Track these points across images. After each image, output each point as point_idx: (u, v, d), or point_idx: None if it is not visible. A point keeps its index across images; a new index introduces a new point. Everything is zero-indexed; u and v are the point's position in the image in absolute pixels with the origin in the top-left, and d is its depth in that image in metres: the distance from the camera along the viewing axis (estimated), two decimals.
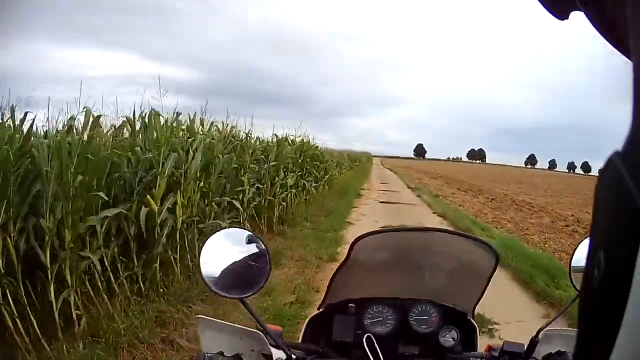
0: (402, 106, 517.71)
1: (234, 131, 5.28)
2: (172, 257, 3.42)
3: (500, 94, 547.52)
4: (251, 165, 5.36)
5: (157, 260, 3.24)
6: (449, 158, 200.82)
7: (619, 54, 0.23)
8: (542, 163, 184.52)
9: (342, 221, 7.40)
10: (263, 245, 0.79)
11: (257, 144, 6.17)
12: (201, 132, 4.25)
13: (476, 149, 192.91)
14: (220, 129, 4.91)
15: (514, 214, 10.84)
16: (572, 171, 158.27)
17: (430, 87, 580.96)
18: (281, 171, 6.52)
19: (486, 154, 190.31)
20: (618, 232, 0.18)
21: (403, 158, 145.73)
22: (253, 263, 0.78)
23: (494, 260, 0.87)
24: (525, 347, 0.85)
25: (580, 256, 0.85)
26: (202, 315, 0.82)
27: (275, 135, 7.12)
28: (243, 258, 0.78)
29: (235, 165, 4.76)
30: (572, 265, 0.86)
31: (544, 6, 0.26)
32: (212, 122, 4.70)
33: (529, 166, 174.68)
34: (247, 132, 5.69)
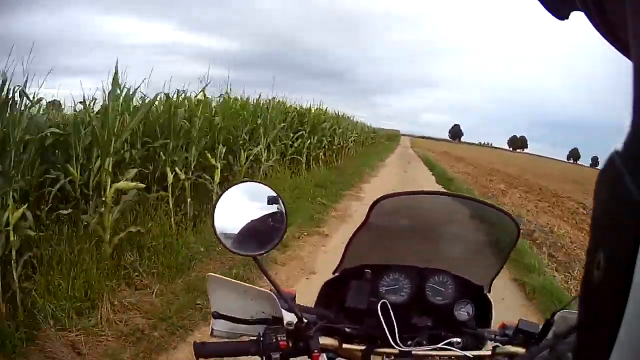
0: (441, 88, 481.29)
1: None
2: None
3: (545, 83, 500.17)
4: None
5: None
6: (480, 143, 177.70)
7: (619, 53, 0.22)
8: (585, 159, 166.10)
9: None
10: (281, 202, 0.77)
11: None
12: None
13: (518, 136, 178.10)
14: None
15: None
16: None
17: (472, 71, 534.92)
18: None
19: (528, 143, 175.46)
20: (618, 232, 0.18)
21: (437, 140, 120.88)
22: (269, 220, 0.76)
23: (515, 232, 0.83)
24: (540, 328, 0.81)
25: None
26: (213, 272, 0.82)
27: None
28: (258, 214, 0.76)
29: None
30: None
31: (544, 6, 0.26)
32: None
33: (571, 161, 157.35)
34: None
